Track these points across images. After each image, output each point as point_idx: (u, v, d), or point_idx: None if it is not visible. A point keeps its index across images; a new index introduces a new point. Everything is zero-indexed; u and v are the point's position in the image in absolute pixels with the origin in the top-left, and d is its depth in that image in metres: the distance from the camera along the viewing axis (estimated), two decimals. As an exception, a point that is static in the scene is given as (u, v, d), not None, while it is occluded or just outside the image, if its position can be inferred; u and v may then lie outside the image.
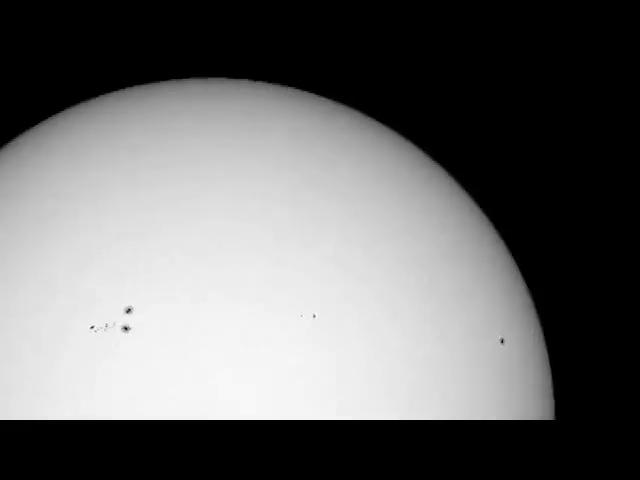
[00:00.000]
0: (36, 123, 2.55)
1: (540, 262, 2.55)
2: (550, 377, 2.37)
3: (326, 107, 2.42)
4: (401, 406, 2.15)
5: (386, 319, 2.16)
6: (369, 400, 2.13)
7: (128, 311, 2.12)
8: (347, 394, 2.12)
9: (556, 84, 2.59)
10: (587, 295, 2.47)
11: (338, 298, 2.14)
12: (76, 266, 2.18)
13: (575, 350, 2.46)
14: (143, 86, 2.51)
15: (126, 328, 2.10)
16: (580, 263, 2.51)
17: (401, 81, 2.68)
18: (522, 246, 2.49)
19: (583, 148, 2.55)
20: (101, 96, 2.52)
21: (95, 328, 2.12)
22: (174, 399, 2.07)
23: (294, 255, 2.15)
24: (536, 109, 2.60)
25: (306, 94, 2.45)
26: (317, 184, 2.23)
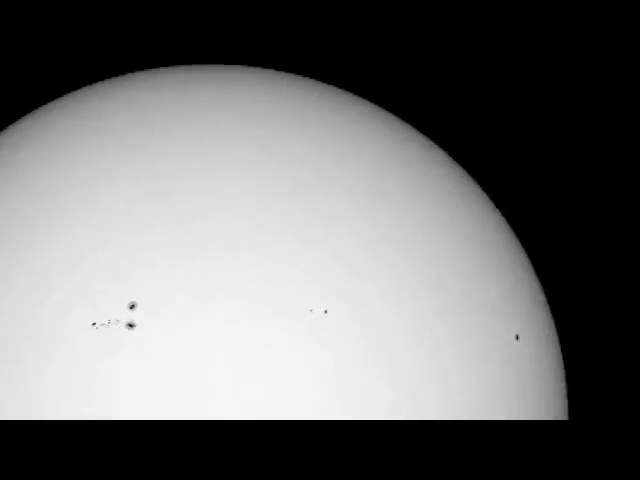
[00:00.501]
0: (18, 118, 2.48)
1: (554, 259, 2.50)
2: (564, 377, 2.33)
3: (336, 97, 2.35)
4: (413, 405, 2.10)
5: (396, 316, 2.11)
6: (377, 399, 2.08)
7: (132, 307, 2.05)
8: (355, 393, 2.07)
9: (573, 79, 2.55)
10: (600, 294, 2.43)
11: (348, 294, 2.08)
12: (74, 261, 2.11)
13: (588, 350, 2.41)
14: (139, 73, 2.42)
15: (131, 325, 2.03)
16: (594, 261, 2.47)
17: (415, 73, 2.63)
18: (536, 243, 2.45)
19: (597, 144, 2.50)
20: (100, 83, 2.44)
21: (97, 325, 2.05)
22: (187, 399, 2.00)
23: (302, 251, 2.09)
24: (552, 103, 2.55)
25: (313, 82, 2.38)
26: (326, 179, 2.17)
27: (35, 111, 2.46)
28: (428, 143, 2.35)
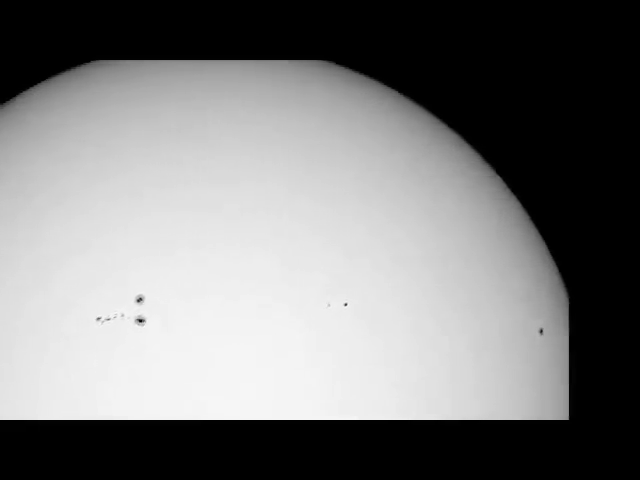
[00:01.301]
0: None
1: (576, 257, 2.48)
2: (568, 375, 2.31)
3: (362, 86, 2.28)
4: (425, 404, 2.05)
5: (414, 311, 2.06)
6: (385, 397, 2.03)
7: (139, 300, 1.94)
8: (368, 393, 2.01)
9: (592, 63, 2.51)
10: (611, 292, 2.42)
11: (367, 289, 2.02)
12: (74, 253, 2.00)
13: (590, 349, 2.40)
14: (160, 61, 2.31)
15: (141, 320, 1.92)
16: (618, 259, 2.45)
17: (449, 65, 2.58)
18: (560, 242, 2.42)
19: (618, 141, 2.47)
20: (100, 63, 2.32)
21: (102, 320, 1.93)
22: (195, 399, 1.91)
23: (320, 245, 2.02)
24: (580, 89, 2.52)
25: (336, 68, 2.31)
26: (346, 172, 2.10)
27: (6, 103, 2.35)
28: (456, 138, 2.31)
